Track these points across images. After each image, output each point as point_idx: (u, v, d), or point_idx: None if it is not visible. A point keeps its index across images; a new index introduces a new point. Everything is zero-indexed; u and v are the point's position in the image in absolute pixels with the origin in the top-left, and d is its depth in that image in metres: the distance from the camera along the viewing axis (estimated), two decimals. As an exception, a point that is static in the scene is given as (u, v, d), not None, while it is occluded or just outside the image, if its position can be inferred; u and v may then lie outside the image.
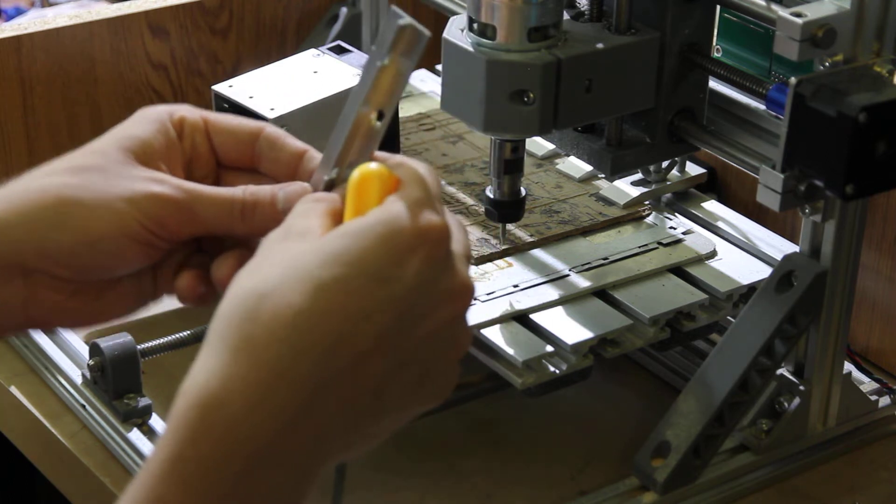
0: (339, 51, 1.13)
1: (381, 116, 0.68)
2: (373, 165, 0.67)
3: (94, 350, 1.03)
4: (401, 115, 1.23)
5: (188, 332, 1.05)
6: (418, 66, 1.32)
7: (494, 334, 0.98)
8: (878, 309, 1.12)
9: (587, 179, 1.14)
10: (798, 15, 0.86)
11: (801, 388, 0.99)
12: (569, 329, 0.98)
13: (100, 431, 1.04)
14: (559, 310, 1.00)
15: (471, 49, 0.94)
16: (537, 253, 1.06)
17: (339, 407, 0.63)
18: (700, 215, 1.12)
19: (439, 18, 1.15)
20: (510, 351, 0.97)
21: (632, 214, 1.10)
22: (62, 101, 1.25)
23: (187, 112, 0.76)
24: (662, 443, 0.97)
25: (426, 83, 1.29)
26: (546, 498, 1.00)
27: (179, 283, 0.74)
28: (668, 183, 1.13)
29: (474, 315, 0.99)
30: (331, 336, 0.62)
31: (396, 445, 1.04)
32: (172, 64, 1.30)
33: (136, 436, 1.01)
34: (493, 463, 1.03)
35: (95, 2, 1.63)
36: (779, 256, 1.01)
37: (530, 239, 1.07)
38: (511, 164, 0.99)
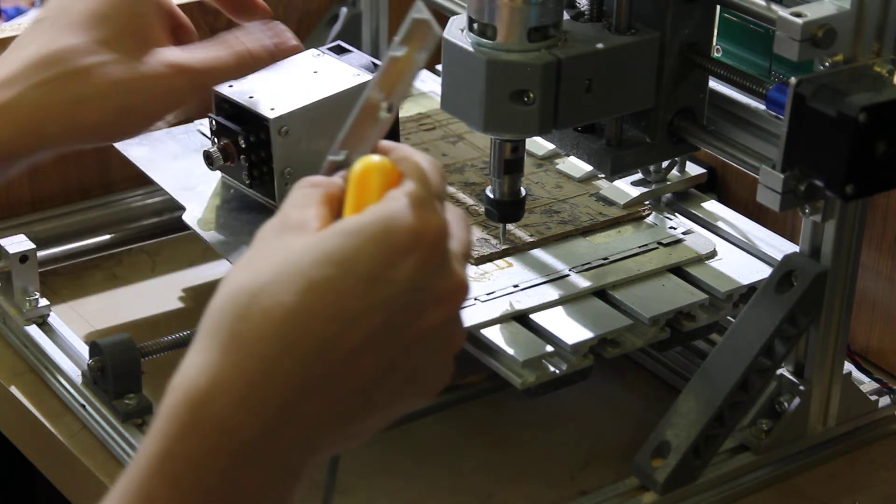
0: (339, 51, 1.13)
1: (390, 108, 0.68)
2: (375, 158, 0.67)
3: (94, 350, 1.03)
4: (401, 115, 1.23)
5: (188, 331, 1.05)
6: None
7: (494, 334, 0.98)
8: (878, 309, 1.12)
9: (587, 179, 1.14)
10: (798, 15, 0.86)
11: (801, 388, 0.99)
12: (569, 329, 0.98)
13: (100, 431, 1.04)
14: (559, 310, 1.00)
15: (471, 49, 0.94)
16: (537, 253, 1.06)
17: (326, 406, 0.63)
18: (700, 215, 1.12)
19: (439, 18, 1.15)
20: (510, 351, 0.97)
21: (632, 214, 1.10)
22: (62, 101, 1.25)
23: None
24: (662, 443, 0.97)
25: (426, 83, 1.29)
26: (546, 498, 1.00)
27: None
28: (668, 183, 1.13)
29: (474, 315, 0.99)
30: (319, 336, 0.62)
31: (396, 445, 1.04)
32: (172, 64, 1.30)
33: (136, 436, 1.01)
34: (493, 463, 1.03)
35: (95, 2, 1.63)
36: (779, 256, 1.01)
37: (530, 239, 1.07)
38: (511, 164, 0.99)
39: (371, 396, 0.65)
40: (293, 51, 0.96)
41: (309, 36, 1.34)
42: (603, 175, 1.12)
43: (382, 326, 0.64)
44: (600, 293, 1.03)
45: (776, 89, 0.93)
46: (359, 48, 1.35)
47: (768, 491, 1.01)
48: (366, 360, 0.64)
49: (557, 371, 0.97)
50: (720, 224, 1.11)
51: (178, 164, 1.14)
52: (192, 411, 0.62)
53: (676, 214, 1.12)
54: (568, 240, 1.08)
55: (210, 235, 1.06)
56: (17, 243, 1.11)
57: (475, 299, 1.00)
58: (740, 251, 1.08)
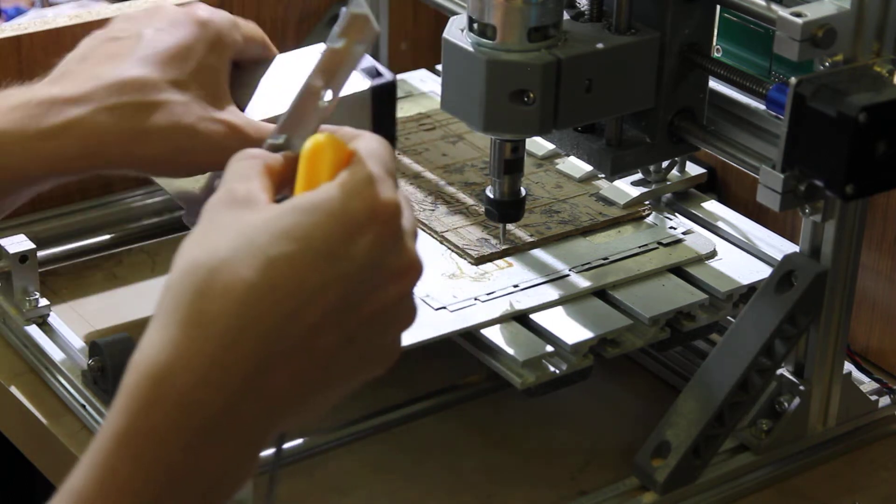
0: None
1: (330, 97, 0.71)
2: (321, 136, 0.68)
3: (94, 350, 1.03)
4: (401, 115, 1.23)
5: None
6: (416, 66, 1.33)
7: (494, 334, 0.98)
8: (878, 309, 1.12)
9: (587, 179, 1.14)
10: (798, 15, 0.86)
11: (801, 388, 0.99)
12: (569, 329, 0.98)
13: (100, 431, 1.04)
14: (559, 310, 1.00)
15: (471, 49, 0.94)
16: (537, 253, 1.06)
17: (287, 381, 0.64)
18: (700, 215, 1.12)
19: (439, 18, 1.15)
20: (510, 351, 0.97)
21: (632, 214, 1.10)
22: (62, 101, 1.25)
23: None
24: (662, 443, 0.97)
25: (426, 83, 1.29)
26: (546, 498, 1.00)
27: None
28: (668, 183, 1.13)
29: (474, 315, 0.99)
30: (279, 312, 0.63)
31: (396, 445, 1.04)
32: (172, 64, 1.30)
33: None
34: (493, 463, 1.03)
35: (95, 2, 1.63)
36: (779, 256, 1.01)
37: (530, 239, 1.07)
38: (511, 164, 0.99)
39: (330, 370, 0.66)
40: None
41: (309, 36, 1.34)
42: (603, 175, 1.12)
43: (340, 301, 0.65)
44: (600, 293, 1.03)
45: (776, 89, 0.93)
46: (359, 48, 1.35)
47: (768, 491, 1.01)
48: (324, 334, 0.65)
49: (557, 371, 0.97)
50: (720, 224, 1.11)
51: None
52: (154, 388, 0.63)
53: (676, 214, 1.12)
54: (568, 240, 1.08)
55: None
56: (17, 243, 1.10)
57: (475, 299, 1.00)
58: (740, 251, 1.08)
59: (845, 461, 1.04)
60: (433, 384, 1.08)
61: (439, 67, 0.99)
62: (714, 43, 1.01)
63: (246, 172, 0.68)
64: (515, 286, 1.02)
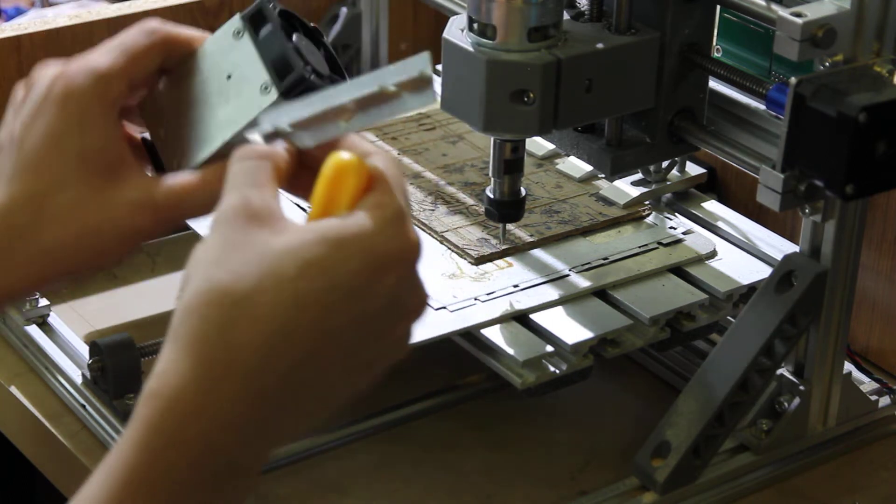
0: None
1: (352, 123, 0.68)
2: (345, 155, 0.67)
3: (94, 350, 1.03)
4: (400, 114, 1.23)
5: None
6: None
7: (494, 334, 0.98)
8: (878, 309, 1.12)
9: (587, 179, 1.14)
10: (798, 15, 0.86)
11: (801, 388, 0.99)
12: (569, 329, 0.98)
13: (100, 431, 1.04)
14: (559, 310, 1.00)
15: (471, 49, 0.94)
16: (537, 253, 1.06)
17: (296, 416, 0.65)
18: (700, 215, 1.12)
19: (439, 18, 1.15)
20: (510, 351, 0.97)
21: (632, 214, 1.10)
22: (62, 101, 1.25)
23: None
24: (662, 443, 0.97)
25: (426, 83, 1.29)
26: (546, 498, 1.00)
27: None
28: (668, 183, 1.13)
29: (474, 315, 0.99)
30: (301, 350, 0.63)
31: (396, 445, 1.04)
32: (172, 64, 1.29)
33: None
34: (493, 463, 1.03)
35: (95, 2, 1.63)
36: (779, 256, 1.01)
37: (530, 239, 1.07)
38: (511, 164, 0.99)
39: (329, 400, 0.66)
40: None
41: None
42: (603, 175, 1.12)
43: (357, 341, 0.65)
44: (600, 293, 1.03)
45: (776, 89, 0.93)
46: (359, 48, 1.35)
47: (768, 491, 1.01)
48: (336, 369, 0.65)
49: (557, 371, 0.97)
50: (720, 224, 1.11)
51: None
52: (178, 427, 0.62)
53: (676, 214, 1.12)
54: (568, 240, 1.08)
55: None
56: (17, 243, 1.10)
57: (475, 299, 1.00)
58: (740, 251, 1.08)
59: (845, 461, 1.04)
60: (433, 384, 1.08)
61: (439, 67, 0.99)
62: (714, 43, 1.01)
63: (258, 177, 0.66)
64: (515, 286, 1.02)
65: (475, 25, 0.94)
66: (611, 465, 1.02)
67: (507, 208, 1.01)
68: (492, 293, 1.01)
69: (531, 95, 0.93)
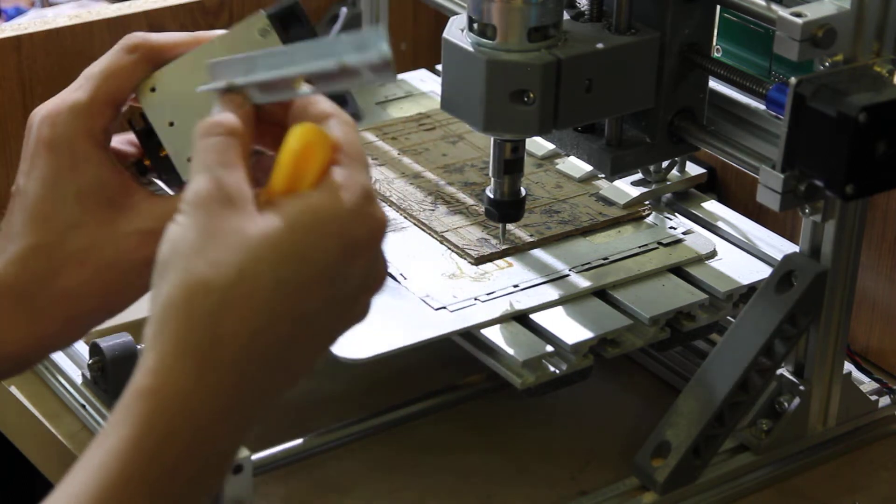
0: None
1: (308, 90, 0.69)
2: (310, 126, 0.68)
3: (94, 350, 1.03)
4: (401, 115, 1.23)
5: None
6: (416, 67, 1.33)
7: (494, 334, 0.98)
8: (878, 309, 1.12)
9: (587, 179, 1.14)
10: (798, 15, 0.86)
11: (801, 388, 0.99)
12: (569, 329, 0.98)
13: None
14: (559, 310, 1.00)
15: (471, 49, 0.94)
16: (537, 253, 1.06)
17: (271, 393, 0.67)
18: (700, 215, 1.12)
19: (439, 18, 1.15)
20: (510, 351, 0.97)
21: (632, 214, 1.10)
22: (62, 101, 1.25)
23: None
24: (662, 443, 0.97)
25: (426, 83, 1.29)
26: (546, 498, 1.00)
27: None
28: (668, 183, 1.13)
29: (474, 315, 0.99)
30: (282, 339, 0.65)
31: (396, 445, 1.04)
32: (172, 64, 1.29)
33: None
34: (493, 463, 1.03)
35: (95, 2, 1.63)
36: (779, 256, 1.01)
37: (530, 239, 1.07)
38: (511, 164, 0.99)
39: (298, 373, 0.68)
40: None
41: (309, 36, 1.34)
42: (603, 175, 1.12)
43: (330, 318, 0.67)
44: (600, 293, 1.03)
45: (776, 89, 0.93)
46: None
47: (768, 491, 1.01)
48: (307, 346, 0.67)
49: (557, 371, 0.97)
50: (720, 224, 1.11)
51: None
52: (171, 420, 0.63)
53: (676, 214, 1.12)
54: (568, 240, 1.08)
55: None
56: (17, 243, 1.10)
57: (475, 299, 1.00)
58: (740, 251, 1.08)
59: (845, 461, 1.04)
60: (433, 384, 1.08)
61: (439, 67, 0.99)
62: (714, 43, 1.01)
63: (228, 157, 0.67)
64: (515, 286, 1.02)
65: (475, 25, 0.94)
66: (611, 465, 1.02)
67: (507, 208, 1.01)
68: (492, 293, 1.01)
69: (531, 95, 0.93)
